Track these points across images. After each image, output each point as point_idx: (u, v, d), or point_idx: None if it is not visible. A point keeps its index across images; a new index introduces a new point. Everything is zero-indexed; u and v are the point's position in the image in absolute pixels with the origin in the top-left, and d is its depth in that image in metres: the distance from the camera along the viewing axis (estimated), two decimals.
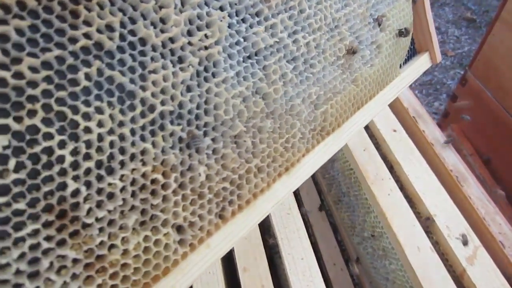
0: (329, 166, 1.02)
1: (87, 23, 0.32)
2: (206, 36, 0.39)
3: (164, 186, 0.39)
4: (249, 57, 0.44)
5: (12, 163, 0.29)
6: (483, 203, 0.73)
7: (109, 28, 0.33)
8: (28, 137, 0.30)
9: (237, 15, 0.43)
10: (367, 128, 0.87)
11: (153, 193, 0.38)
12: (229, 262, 0.73)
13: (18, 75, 0.29)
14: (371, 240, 0.83)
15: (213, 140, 0.42)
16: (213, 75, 0.41)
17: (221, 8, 0.41)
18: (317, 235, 1.04)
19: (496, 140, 1.30)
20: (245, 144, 0.44)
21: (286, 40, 0.46)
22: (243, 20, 0.43)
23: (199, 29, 0.39)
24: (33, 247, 0.31)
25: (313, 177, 1.19)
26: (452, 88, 2.45)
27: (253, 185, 0.46)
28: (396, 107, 0.89)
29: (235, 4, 0.42)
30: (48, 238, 0.31)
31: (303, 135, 0.52)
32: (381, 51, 0.62)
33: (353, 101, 0.59)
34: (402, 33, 0.64)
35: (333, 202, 1.07)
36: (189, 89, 0.39)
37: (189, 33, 0.39)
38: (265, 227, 0.77)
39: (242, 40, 0.43)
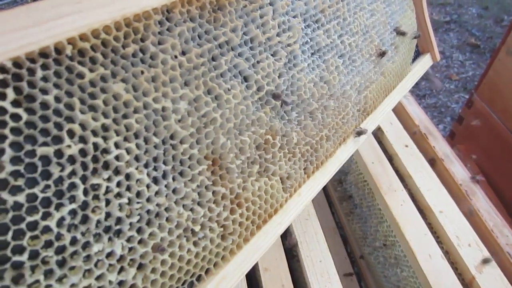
0: (342, 179, 1.06)
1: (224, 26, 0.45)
2: (289, 36, 0.53)
3: (273, 145, 0.51)
4: (313, 53, 0.58)
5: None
6: (491, 216, 0.77)
7: (235, 30, 0.47)
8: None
9: (304, 22, 0.57)
10: (380, 143, 0.93)
11: (266, 150, 0.51)
12: None
13: None
14: (383, 250, 0.87)
15: (297, 113, 0.55)
16: (294, 65, 0.55)
17: (295, 17, 0.55)
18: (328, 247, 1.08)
19: (501, 161, 1.34)
20: (318, 118, 0.58)
21: (336, 41, 0.62)
22: (308, 26, 0.57)
23: (284, 31, 0.52)
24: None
25: (324, 190, 1.24)
26: (456, 112, 2.52)
27: (325, 149, 0.61)
28: (408, 124, 0.95)
29: (303, 13, 0.56)
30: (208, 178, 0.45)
31: (353, 114, 0.67)
32: (399, 51, 0.78)
33: (383, 89, 0.75)
34: (416, 36, 0.82)
35: (344, 214, 1.11)
36: (281, 75, 0.52)
37: (278, 35, 0.51)
38: (284, 232, 0.81)
39: (309, 40, 0.57)
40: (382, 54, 0.71)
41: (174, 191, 0.40)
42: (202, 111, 0.42)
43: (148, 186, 0.38)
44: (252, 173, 0.49)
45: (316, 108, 0.58)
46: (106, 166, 0.35)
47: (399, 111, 0.99)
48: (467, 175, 0.84)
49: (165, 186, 0.39)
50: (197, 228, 0.42)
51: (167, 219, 0.40)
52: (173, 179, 0.40)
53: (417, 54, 0.89)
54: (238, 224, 0.47)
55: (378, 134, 0.95)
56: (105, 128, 0.35)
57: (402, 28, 0.76)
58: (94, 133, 0.34)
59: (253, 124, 0.48)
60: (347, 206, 1.05)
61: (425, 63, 0.88)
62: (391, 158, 0.89)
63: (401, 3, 0.79)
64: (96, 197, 0.34)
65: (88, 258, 0.34)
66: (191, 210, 0.42)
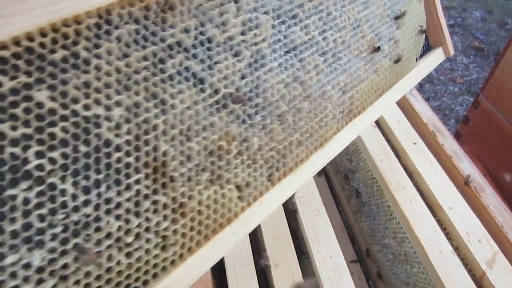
0: (350, 177, 1.07)
1: (173, 27, 0.42)
2: (255, 34, 0.50)
3: (228, 151, 0.48)
4: (287, 52, 0.54)
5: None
6: (500, 212, 0.77)
7: (187, 30, 0.43)
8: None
9: (278, 18, 0.53)
10: (388, 140, 0.93)
11: (219, 157, 0.47)
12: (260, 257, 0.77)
13: None
14: (392, 247, 0.87)
15: (262, 117, 0.52)
16: (262, 66, 0.51)
17: (266, 13, 0.51)
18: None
19: (508, 161, 1.34)
20: (288, 121, 0.54)
21: (317, 37, 0.57)
22: (283, 22, 0.53)
23: (250, 29, 0.49)
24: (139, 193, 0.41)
25: (331, 190, 1.24)
26: (460, 114, 2.52)
27: (295, 155, 0.57)
28: (416, 122, 0.96)
29: (277, 9, 0.52)
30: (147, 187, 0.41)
31: (334, 116, 0.62)
32: (398, 46, 0.72)
33: (375, 88, 0.69)
34: (423, 31, 0.76)
35: (352, 212, 1.11)
36: (243, 76, 0.49)
37: (243, 33, 0.48)
38: (293, 228, 0.82)
39: (282, 37, 0.53)
40: (376, 50, 0.66)
41: (106, 200, 0.39)
42: (142, 117, 0.40)
43: (74, 196, 0.37)
44: (201, 181, 0.46)
45: (286, 111, 0.54)
46: (26, 176, 0.34)
47: (407, 109, 0.99)
48: (476, 172, 0.84)
49: (96, 195, 0.38)
50: (129, 238, 0.40)
51: (95, 230, 0.38)
52: (107, 188, 0.38)
53: (427, 48, 0.82)
54: (181, 234, 0.45)
55: (386, 132, 0.95)
56: (26, 137, 0.34)
57: (402, 16, 0.70)
58: (13, 143, 0.33)
59: (205, 130, 0.45)
60: (355, 204, 1.05)
61: (435, 58, 0.81)
62: (399, 155, 0.89)
63: None
64: (13, 208, 0.33)
65: (1, 269, 0.33)
66: (125, 220, 0.40)
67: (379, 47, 0.66)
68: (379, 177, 0.86)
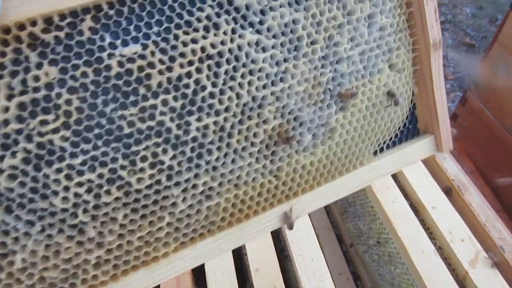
0: None
1: None
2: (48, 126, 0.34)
3: None
4: (110, 141, 0.37)
5: None
6: (483, 210, 0.77)
7: None
8: None
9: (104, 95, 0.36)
10: None
11: None
12: (241, 263, 0.76)
13: None
14: (376, 247, 0.86)
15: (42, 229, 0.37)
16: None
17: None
18: (323, 246, 1.07)
19: (496, 157, 1.34)
20: (87, 234, 0.39)
21: (167, 124, 0.39)
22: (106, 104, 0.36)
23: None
24: None
25: None
26: (452, 110, 2.52)
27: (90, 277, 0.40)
28: None
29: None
30: None
31: (177, 230, 0.43)
32: (333, 137, 0.48)
33: (266, 195, 0.46)
34: (395, 102, 0.49)
35: (339, 213, 1.10)
36: None
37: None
38: (276, 231, 0.81)
39: (103, 121, 0.36)
40: (286, 140, 0.44)
41: None
42: None
43: None
44: None
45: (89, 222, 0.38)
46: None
47: None
48: (460, 171, 0.83)
49: None
50: None
51: None
52: None
53: (411, 132, 0.54)
54: None
55: None
56: None
57: (352, 96, 0.46)
58: None
59: None
60: (341, 204, 1.05)
61: (417, 153, 0.53)
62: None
63: (366, 54, 0.46)
64: None
65: None
66: None
67: (292, 137, 0.44)
68: None
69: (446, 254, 0.73)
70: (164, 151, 0.40)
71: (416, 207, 0.80)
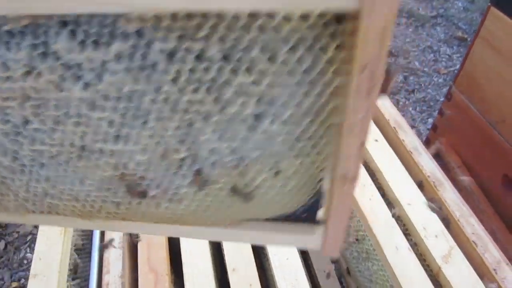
0: None
1: None
2: None
3: None
4: None
5: None
6: (458, 206, 0.77)
7: None
8: None
9: None
10: None
11: None
12: (221, 263, 0.77)
13: None
14: (355, 245, 0.87)
15: None
16: None
17: None
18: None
19: (482, 152, 1.35)
20: None
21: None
22: None
23: None
24: None
25: None
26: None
27: None
28: (378, 119, 0.96)
29: None
30: None
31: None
32: (182, 203, 0.40)
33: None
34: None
35: None
36: None
37: None
38: None
39: None
40: (137, 193, 0.39)
41: None
42: None
43: None
44: None
45: None
46: None
47: None
48: (436, 167, 0.84)
49: None
50: None
51: None
52: None
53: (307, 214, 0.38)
54: None
55: None
56: None
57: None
58: None
59: None
60: None
61: (297, 240, 0.39)
62: None
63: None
64: None
65: None
66: None
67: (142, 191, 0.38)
68: None
69: (421, 250, 0.74)
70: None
71: (393, 204, 0.81)
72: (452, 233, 0.74)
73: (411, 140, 0.89)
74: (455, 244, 0.72)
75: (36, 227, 0.75)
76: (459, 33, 3.04)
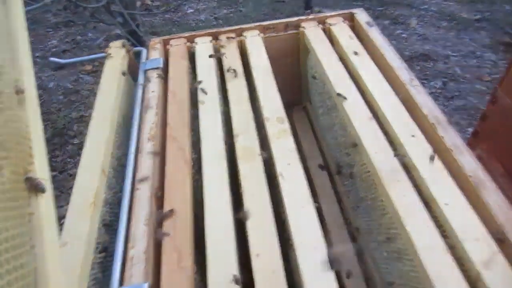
0: (349, 172, 1.03)
1: None
2: None
3: None
4: None
5: None
6: (502, 210, 0.72)
7: None
8: None
9: None
10: (386, 133, 0.89)
11: None
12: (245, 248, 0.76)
13: None
14: (386, 244, 0.83)
15: None
16: None
17: None
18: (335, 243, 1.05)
19: None
20: None
21: None
22: None
23: None
24: None
25: (332, 184, 1.21)
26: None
27: None
28: (415, 114, 0.91)
29: None
30: None
31: None
32: None
33: None
34: None
35: (351, 208, 1.08)
36: None
37: None
38: (282, 222, 0.79)
39: None
40: None
41: None
42: None
43: None
44: None
45: None
46: None
47: (406, 99, 0.94)
48: (478, 166, 0.78)
49: None
50: None
51: None
52: None
53: None
54: None
55: (383, 122, 0.91)
56: None
57: None
58: None
59: None
60: (353, 200, 1.02)
61: None
62: (395, 148, 0.85)
63: None
64: None
65: None
66: None
67: None
68: (373, 170, 0.82)
69: (459, 254, 0.69)
70: None
71: (429, 203, 0.76)
72: (494, 237, 0.68)
73: (451, 137, 0.84)
74: (498, 249, 0.67)
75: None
76: (506, 39, 2.87)
